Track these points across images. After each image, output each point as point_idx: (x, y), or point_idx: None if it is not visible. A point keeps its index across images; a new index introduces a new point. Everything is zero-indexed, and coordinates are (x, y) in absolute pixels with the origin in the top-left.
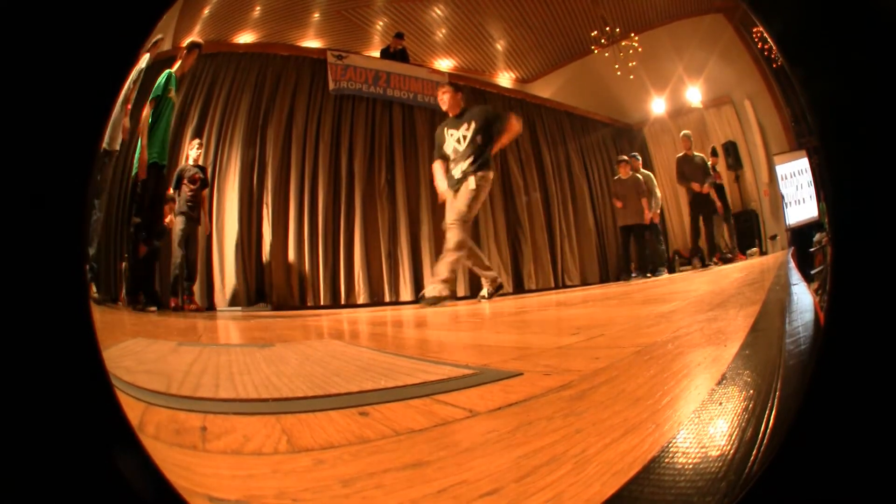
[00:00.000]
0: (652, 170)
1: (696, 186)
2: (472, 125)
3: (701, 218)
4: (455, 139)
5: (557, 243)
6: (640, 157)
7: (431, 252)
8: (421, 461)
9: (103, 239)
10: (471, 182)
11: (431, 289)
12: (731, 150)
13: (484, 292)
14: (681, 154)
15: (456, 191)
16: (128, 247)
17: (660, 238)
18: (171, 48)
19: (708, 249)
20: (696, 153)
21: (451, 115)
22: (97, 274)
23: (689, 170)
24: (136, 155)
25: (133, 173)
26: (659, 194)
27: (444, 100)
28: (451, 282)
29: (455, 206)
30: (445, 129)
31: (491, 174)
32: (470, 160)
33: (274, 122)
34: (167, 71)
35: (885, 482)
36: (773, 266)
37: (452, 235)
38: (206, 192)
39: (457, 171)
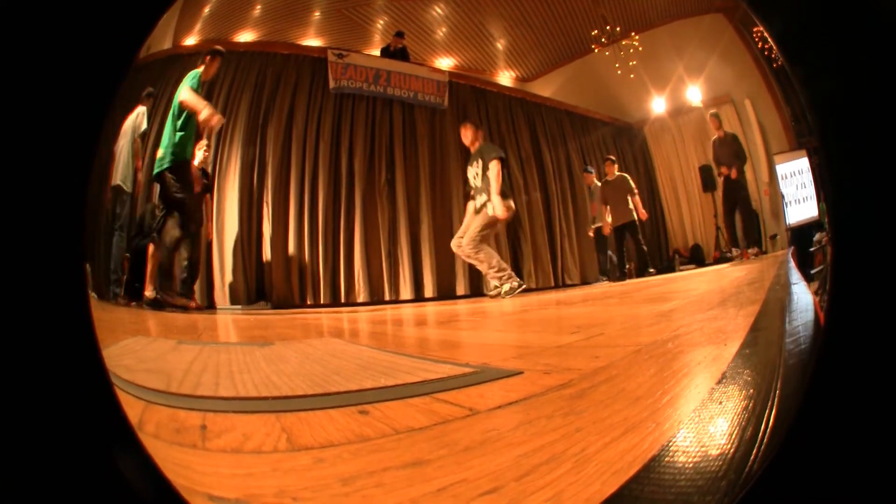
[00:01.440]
0: (653, 169)
1: (724, 170)
2: (480, 163)
3: (736, 207)
4: (472, 175)
5: (557, 242)
6: (593, 171)
7: (431, 251)
8: (421, 460)
9: (104, 237)
10: (489, 208)
11: (507, 286)
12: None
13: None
14: (714, 137)
15: (478, 213)
16: (129, 245)
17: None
18: (171, 47)
19: (745, 240)
20: (726, 132)
21: (471, 150)
22: (97, 272)
23: (720, 153)
24: (167, 149)
25: (156, 172)
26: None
27: (465, 136)
28: (508, 272)
29: (470, 225)
30: (468, 164)
31: (510, 203)
32: (485, 193)
33: (274, 121)
34: (195, 71)
35: (885, 482)
36: (773, 265)
37: (470, 252)
38: (207, 195)
39: (479, 200)
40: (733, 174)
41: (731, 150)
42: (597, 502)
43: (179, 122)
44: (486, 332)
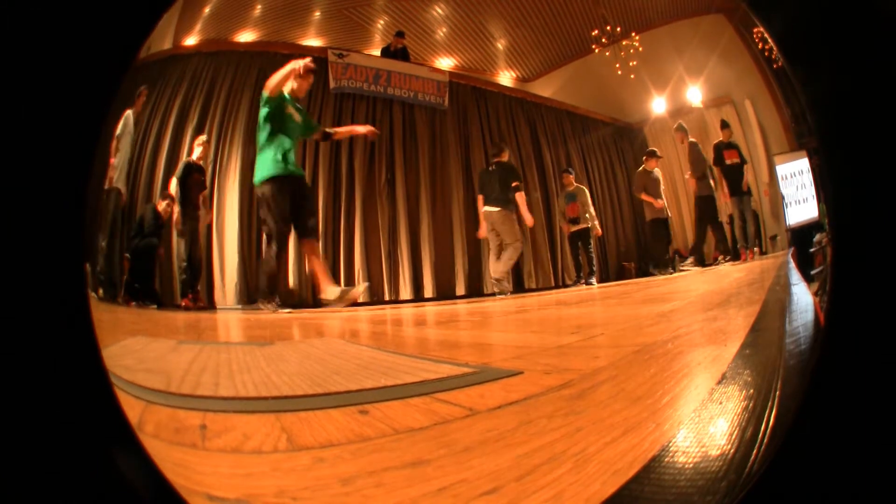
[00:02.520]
0: None
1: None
2: None
3: (705, 220)
4: None
5: (557, 242)
6: (573, 172)
7: (431, 251)
8: (421, 460)
9: (104, 237)
10: None
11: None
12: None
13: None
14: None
15: None
16: (129, 245)
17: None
18: (171, 47)
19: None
20: (690, 141)
21: None
22: (97, 272)
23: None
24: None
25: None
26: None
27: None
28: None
29: None
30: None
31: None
32: None
33: None
34: (263, 94)
35: (885, 482)
36: (773, 266)
37: None
38: (205, 192)
39: None
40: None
41: (691, 160)
42: (597, 502)
43: (266, 134)
44: (485, 332)
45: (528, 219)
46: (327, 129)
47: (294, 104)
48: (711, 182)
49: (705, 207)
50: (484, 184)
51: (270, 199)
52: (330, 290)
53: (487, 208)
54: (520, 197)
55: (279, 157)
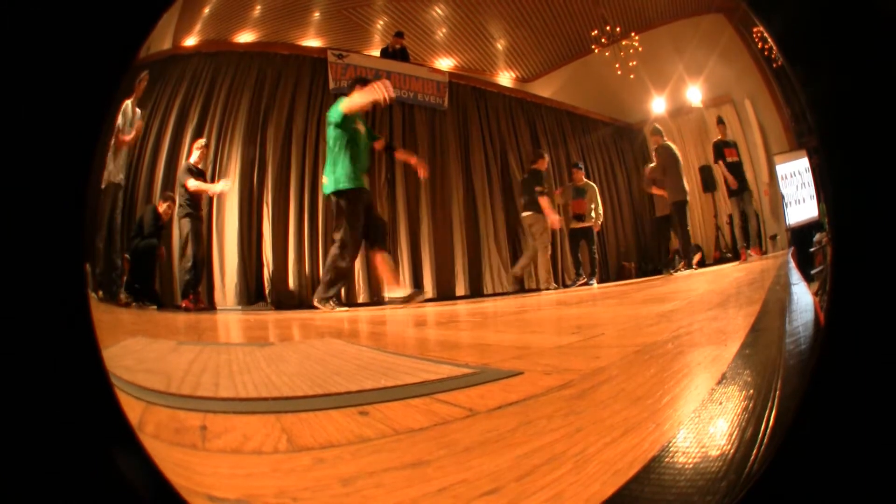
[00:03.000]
0: None
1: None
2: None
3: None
4: None
5: (557, 242)
6: (582, 167)
7: (431, 251)
8: (421, 460)
9: (104, 237)
10: None
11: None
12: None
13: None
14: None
15: None
16: (129, 245)
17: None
18: (171, 47)
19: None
20: (661, 144)
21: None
22: (97, 272)
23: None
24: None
25: (329, 192)
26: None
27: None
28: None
29: None
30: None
31: None
32: None
33: (274, 121)
34: (339, 111)
35: (885, 482)
36: (773, 266)
37: None
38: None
39: None
40: (653, 190)
41: (660, 165)
42: (597, 503)
43: (339, 148)
44: (485, 333)
45: (554, 220)
46: (391, 144)
47: (359, 116)
48: (686, 185)
49: (678, 212)
50: (520, 190)
51: (348, 210)
52: (398, 290)
53: (524, 213)
54: (542, 201)
55: (354, 171)
